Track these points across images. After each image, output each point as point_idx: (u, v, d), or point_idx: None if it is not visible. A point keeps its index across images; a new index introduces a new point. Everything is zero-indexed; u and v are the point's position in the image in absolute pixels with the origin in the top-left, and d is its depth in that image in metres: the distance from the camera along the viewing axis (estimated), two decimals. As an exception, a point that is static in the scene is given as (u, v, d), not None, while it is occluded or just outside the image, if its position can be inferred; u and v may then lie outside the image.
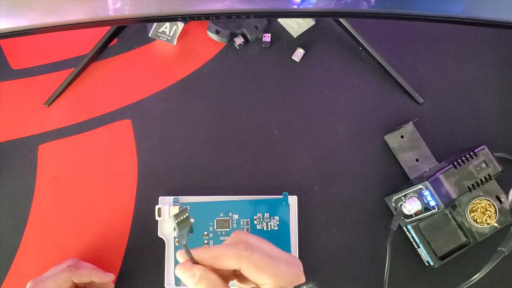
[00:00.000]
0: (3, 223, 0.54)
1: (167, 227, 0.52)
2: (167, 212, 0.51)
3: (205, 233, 0.51)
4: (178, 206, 0.51)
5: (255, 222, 0.52)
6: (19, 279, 0.53)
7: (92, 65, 0.58)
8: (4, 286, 0.53)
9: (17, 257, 0.53)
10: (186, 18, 0.45)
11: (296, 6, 0.44)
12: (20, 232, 0.54)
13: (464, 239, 0.52)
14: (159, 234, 0.52)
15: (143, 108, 0.57)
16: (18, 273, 0.53)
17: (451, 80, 0.57)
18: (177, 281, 0.51)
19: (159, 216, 0.51)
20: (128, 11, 0.44)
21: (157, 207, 0.51)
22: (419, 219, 0.51)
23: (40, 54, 0.58)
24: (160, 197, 0.53)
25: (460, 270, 0.53)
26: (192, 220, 0.51)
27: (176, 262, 0.51)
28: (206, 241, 0.51)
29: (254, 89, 0.57)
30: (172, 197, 0.52)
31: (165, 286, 0.51)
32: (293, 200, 0.53)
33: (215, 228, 0.52)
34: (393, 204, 0.52)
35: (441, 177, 0.48)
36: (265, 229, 0.52)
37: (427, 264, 0.52)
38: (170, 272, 0.51)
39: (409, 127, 0.55)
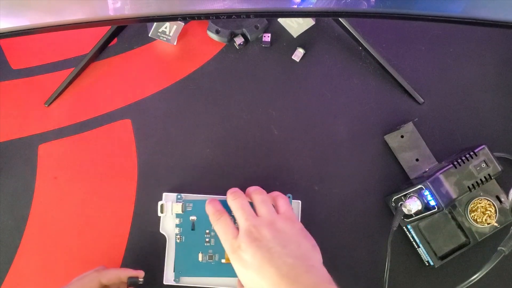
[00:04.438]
0: (3, 223, 0.54)
1: (169, 224, 0.52)
2: (169, 209, 0.51)
3: (207, 231, 0.51)
4: (181, 203, 0.51)
5: None
6: (19, 279, 0.53)
7: (92, 65, 0.58)
8: (4, 286, 0.53)
9: (17, 257, 0.53)
10: (186, 18, 0.45)
11: (296, 6, 0.44)
12: (20, 232, 0.54)
13: (464, 239, 0.52)
14: (160, 230, 0.52)
15: (143, 108, 0.57)
16: (18, 273, 0.53)
17: (451, 80, 0.57)
18: (176, 277, 0.51)
19: (162, 212, 0.51)
20: (128, 10, 0.44)
21: (160, 203, 0.52)
22: (419, 219, 0.51)
23: (40, 54, 0.58)
24: (164, 193, 0.52)
25: (460, 270, 0.53)
26: (194, 217, 0.51)
27: (176, 259, 0.51)
28: (207, 239, 0.51)
29: (254, 89, 0.57)
30: (176, 194, 0.52)
31: (164, 282, 0.51)
32: (296, 204, 0.53)
33: None
34: (393, 204, 0.52)
35: (441, 177, 0.48)
36: None
37: (427, 264, 0.52)
38: (169, 269, 0.51)
39: (409, 127, 0.55)
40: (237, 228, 0.45)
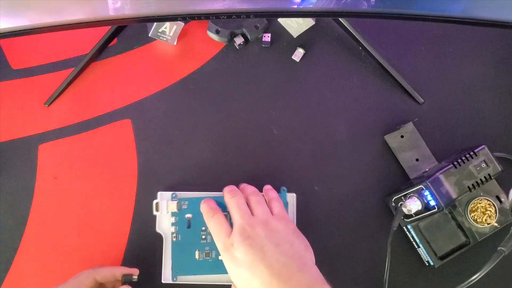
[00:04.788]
0: (3, 223, 0.54)
1: (165, 222, 0.52)
2: (164, 207, 0.51)
3: (203, 228, 0.51)
4: (176, 202, 0.51)
5: None
6: (19, 279, 0.53)
7: (92, 65, 0.58)
8: (4, 286, 0.53)
9: (17, 257, 0.53)
10: (186, 18, 0.45)
11: (296, 6, 0.44)
12: (20, 232, 0.54)
13: (464, 239, 0.52)
14: (157, 229, 0.52)
15: (143, 108, 0.57)
16: (18, 273, 0.53)
17: (451, 80, 0.57)
18: (174, 276, 0.50)
19: (157, 211, 0.51)
20: (128, 10, 0.44)
21: (155, 201, 0.51)
22: (419, 219, 0.51)
23: (40, 54, 0.58)
24: (159, 192, 0.52)
25: (460, 270, 0.53)
26: (189, 215, 0.51)
27: (173, 258, 0.51)
28: (203, 237, 0.51)
29: (254, 89, 0.57)
30: (171, 192, 0.52)
31: (162, 281, 0.51)
32: (291, 198, 0.53)
33: None
34: (393, 204, 0.52)
35: (441, 177, 0.48)
36: None
37: (427, 264, 0.52)
38: (167, 267, 0.51)
39: (409, 126, 0.55)
40: (231, 227, 0.45)
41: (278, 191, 0.52)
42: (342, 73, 0.57)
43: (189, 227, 0.51)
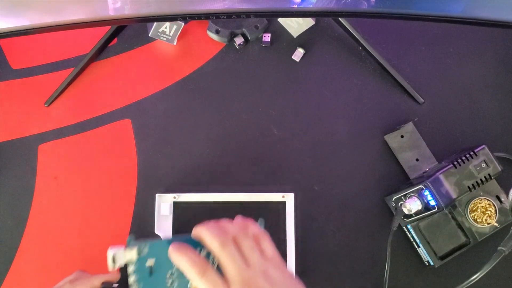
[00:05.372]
0: (3, 223, 0.54)
1: (164, 224, 0.52)
2: (121, 258, 0.39)
3: (169, 272, 0.40)
4: (135, 248, 0.39)
5: None
6: (19, 279, 0.53)
7: (92, 65, 0.58)
8: (4, 286, 0.53)
9: (17, 257, 0.53)
10: (186, 17, 0.45)
11: (296, 6, 0.44)
12: (20, 232, 0.54)
13: (464, 239, 0.52)
14: (155, 231, 0.52)
15: (143, 108, 0.57)
16: (18, 273, 0.53)
17: (451, 80, 0.57)
18: None
19: (114, 262, 0.38)
20: (128, 10, 0.44)
21: (110, 254, 0.38)
22: (419, 219, 0.51)
23: (40, 54, 0.58)
24: (157, 194, 0.52)
25: (460, 270, 0.53)
26: (152, 260, 0.39)
27: None
28: (170, 282, 0.40)
29: (254, 89, 0.57)
30: (170, 195, 0.51)
31: None
32: (289, 197, 0.53)
33: None
34: (393, 204, 0.52)
35: (441, 177, 0.48)
36: None
37: (427, 264, 0.52)
38: None
39: (409, 127, 0.55)
40: (224, 280, 0.39)
41: (256, 220, 0.42)
42: (342, 73, 0.57)
43: (151, 274, 0.40)
